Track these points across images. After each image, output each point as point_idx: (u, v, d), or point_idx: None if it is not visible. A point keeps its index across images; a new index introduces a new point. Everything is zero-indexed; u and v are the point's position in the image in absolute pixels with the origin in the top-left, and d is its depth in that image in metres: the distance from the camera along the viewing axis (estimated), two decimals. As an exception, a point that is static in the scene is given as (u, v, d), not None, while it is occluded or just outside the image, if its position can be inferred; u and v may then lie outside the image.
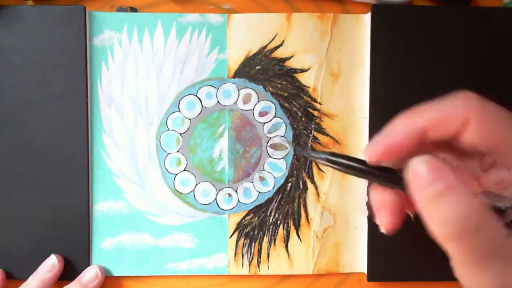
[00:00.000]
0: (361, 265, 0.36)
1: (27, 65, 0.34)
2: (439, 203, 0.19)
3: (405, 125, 0.21)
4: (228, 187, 0.36)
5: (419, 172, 0.20)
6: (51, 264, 0.34)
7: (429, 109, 0.22)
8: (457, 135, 0.21)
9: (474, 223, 0.18)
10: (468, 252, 0.19)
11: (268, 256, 0.36)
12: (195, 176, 0.36)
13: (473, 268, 0.19)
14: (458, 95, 0.21)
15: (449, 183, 0.19)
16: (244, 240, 0.36)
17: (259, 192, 0.36)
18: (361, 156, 0.23)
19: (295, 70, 0.36)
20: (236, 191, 0.36)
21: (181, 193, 0.36)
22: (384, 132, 0.22)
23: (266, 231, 0.36)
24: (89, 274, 0.34)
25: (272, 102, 0.36)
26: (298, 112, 0.36)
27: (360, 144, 0.36)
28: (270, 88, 0.36)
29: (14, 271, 0.35)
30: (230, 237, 0.36)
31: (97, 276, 0.34)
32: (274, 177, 0.36)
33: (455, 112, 0.21)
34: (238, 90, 0.36)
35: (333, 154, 0.24)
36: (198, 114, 0.36)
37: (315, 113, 0.36)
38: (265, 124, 0.36)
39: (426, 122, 0.21)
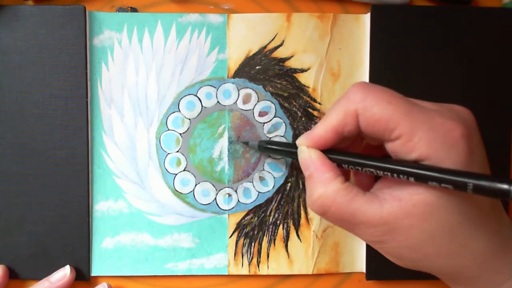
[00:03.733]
0: (361, 264, 0.36)
1: (27, 65, 0.34)
2: (307, 185, 0.26)
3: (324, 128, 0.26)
4: (228, 187, 0.36)
5: (299, 159, 0.26)
6: (63, 274, 0.34)
7: (328, 117, 0.25)
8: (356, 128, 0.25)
9: (328, 203, 0.24)
10: (335, 221, 0.25)
11: (268, 256, 0.36)
12: (195, 176, 0.36)
13: (348, 230, 0.25)
14: (348, 91, 0.25)
15: (313, 171, 0.25)
16: (244, 240, 0.36)
17: (258, 192, 0.36)
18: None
19: (295, 70, 0.36)
20: (236, 191, 0.36)
21: (181, 193, 0.36)
22: (312, 130, 0.26)
23: (266, 231, 0.36)
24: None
25: (272, 102, 0.36)
26: (298, 112, 0.36)
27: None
28: (270, 88, 0.36)
29: (13, 271, 0.35)
30: (230, 237, 0.36)
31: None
32: (274, 177, 0.36)
33: (345, 112, 0.24)
34: (238, 90, 0.36)
35: (268, 142, 0.33)
36: (198, 114, 0.36)
37: (315, 113, 0.36)
38: (265, 124, 0.36)
39: (328, 132, 0.25)
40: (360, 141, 0.28)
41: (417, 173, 0.22)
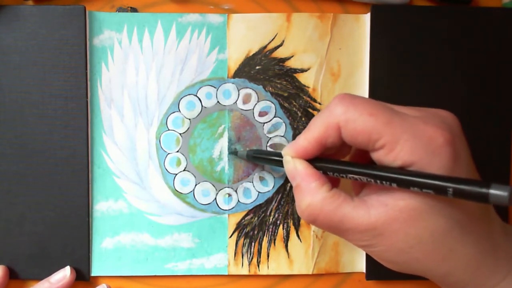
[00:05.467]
0: (361, 264, 0.36)
1: (27, 65, 0.34)
2: (296, 195, 0.26)
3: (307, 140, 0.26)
4: (228, 187, 0.36)
5: (285, 169, 0.27)
6: (63, 275, 0.34)
7: (310, 130, 0.26)
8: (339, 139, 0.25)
9: (316, 212, 0.25)
10: (325, 228, 0.25)
11: (268, 256, 0.36)
12: (195, 176, 0.36)
13: (338, 235, 0.25)
14: (330, 103, 0.25)
15: (300, 181, 0.26)
16: (244, 240, 0.36)
17: (259, 192, 0.36)
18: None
19: (295, 70, 0.36)
20: (236, 191, 0.36)
21: (181, 193, 0.36)
22: (298, 138, 0.26)
23: (266, 231, 0.36)
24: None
25: (272, 102, 0.36)
26: (298, 112, 0.36)
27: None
28: (270, 88, 0.36)
29: (13, 271, 0.35)
30: (230, 237, 0.36)
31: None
32: (274, 177, 0.36)
33: (327, 125, 0.25)
34: (238, 90, 0.36)
35: (256, 151, 0.33)
36: (198, 114, 0.36)
37: (315, 113, 0.36)
38: (265, 124, 0.36)
39: (310, 143, 0.26)
40: (348, 147, 0.28)
41: (398, 178, 0.22)
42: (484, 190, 0.19)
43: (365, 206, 0.24)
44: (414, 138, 0.22)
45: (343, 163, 0.25)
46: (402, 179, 0.22)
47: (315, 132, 0.25)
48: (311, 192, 0.25)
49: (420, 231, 0.23)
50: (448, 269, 0.24)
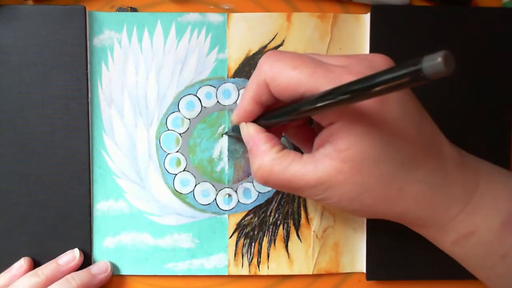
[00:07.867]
0: (361, 265, 0.36)
1: (27, 65, 0.34)
2: (249, 158, 0.27)
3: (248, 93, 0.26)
4: (228, 187, 0.36)
5: (242, 135, 0.28)
6: (71, 257, 0.34)
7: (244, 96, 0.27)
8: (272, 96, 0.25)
9: (266, 173, 0.25)
10: (278, 188, 0.26)
11: (268, 256, 0.36)
12: (194, 177, 0.36)
13: (293, 193, 0.28)
14: (259, 61, 0.25)
15: (252, 145, 0.26)
16: (244, 240, 0.36)
17: (259, 192, 0.36)
18: None
19: (295, 70, 0.36)
20: (236, 191, 0.36)
21: (181, 193, 0.36)
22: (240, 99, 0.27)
23: (266, 231, 0.36)
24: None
25: (272, 102, 0.36)
26: (298, 112, 0.36)
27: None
28: (270, 88, 0.36)
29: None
30: (230, 237, 0.36)
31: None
32: (274, 177, 0.36)
33: (257, 83, 0.25)
34: (238, 90, 0.36)
35: (231, 129, 0.33)
36: (198, 114, 0.36)
37: (315, 113, 0.36)
38: (265, 124, 0.36)
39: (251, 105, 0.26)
40: (308, 128, 0.29)
41: (325, 95, 0.21)
42: (417, 66, 0.15)
43: (314, 162, 0.24)
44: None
45: (273, 111, 0.26)
46: (328, 92, 0.21)
47: (250, 91, 0.26)
48: (260, 155, 0.26)
49: (366, 179, 0.23)
50: (402, 208, 0.24)
